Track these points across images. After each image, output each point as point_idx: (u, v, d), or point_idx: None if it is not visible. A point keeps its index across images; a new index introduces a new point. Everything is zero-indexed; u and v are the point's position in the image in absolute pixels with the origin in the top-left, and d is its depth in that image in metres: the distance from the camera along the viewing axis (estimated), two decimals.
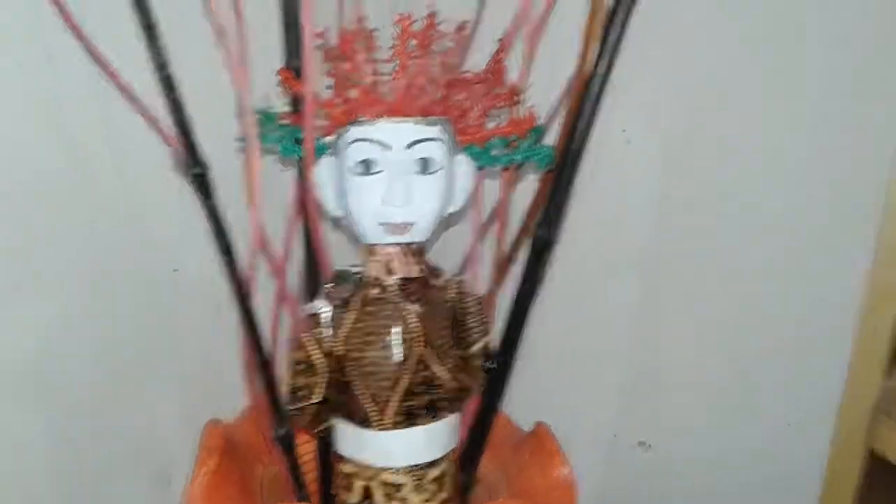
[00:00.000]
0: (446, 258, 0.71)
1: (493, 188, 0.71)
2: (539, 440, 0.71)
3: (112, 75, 0.61)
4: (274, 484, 0.70)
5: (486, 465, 0.74)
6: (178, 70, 0.58)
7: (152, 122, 0.62)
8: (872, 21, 0.69)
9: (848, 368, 0.77)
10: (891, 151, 0.72)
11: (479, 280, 0.70)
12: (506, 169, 0.67)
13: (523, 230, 0.72)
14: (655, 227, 0.82)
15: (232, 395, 0.81)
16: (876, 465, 0.78)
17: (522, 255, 0.70)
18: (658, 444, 0.90)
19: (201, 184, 0.59)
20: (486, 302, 0.69)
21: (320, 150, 0.61)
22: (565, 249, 0.76)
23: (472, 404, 0.72)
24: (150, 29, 0.55)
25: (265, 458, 0.71)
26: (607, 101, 0.65)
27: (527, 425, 0.77)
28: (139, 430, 0.77)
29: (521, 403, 0.82)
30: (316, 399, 0.61)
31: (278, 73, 0.62)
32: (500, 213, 0.69)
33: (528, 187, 0.73)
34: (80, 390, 0.71)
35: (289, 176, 0.66)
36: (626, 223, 0.84)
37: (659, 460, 0.90)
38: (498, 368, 0.68)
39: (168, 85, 0.56)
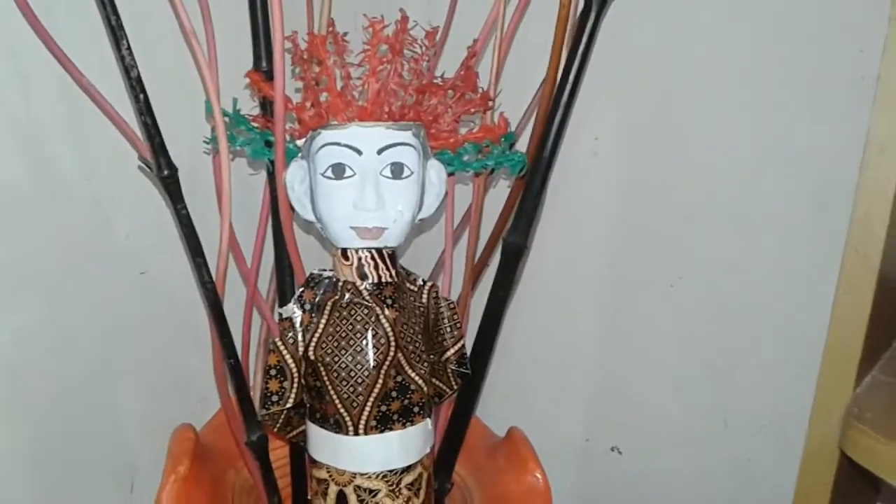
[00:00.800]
0: (418, 264, 0.71)
1: (464, 194, 0.71)
2: (513, 445, 0.71)
3: (78, 78, 0.60)
4: (245, 490, 0.69)
5: (460, 471, 0.74)
6: (147, 72, 0.57)
7: (120, 124, 0.62)
8: (835, 22, 0.70)
9: (820, 372, 0.77)
10: (858, 159, 0.73)
11: (452, 286, 0.70)
12: (477, 175, 0.67)
13: (494, 236, 0.72)
14: (624, 233, 0.83)
15: (198, 402, 0.81)
16: (849, 470, 0.79)
17: (494, 261, 0.70)
18: (630, 449, 0.91)
19: (170, 186, 0.58)
20: (459, 307, 0.68)
21: (291, 154, 0.61)
22: (534, 256, 0.77)
23: (446, 410, 0.72)
24: (116, 30, 0.54)
25: (236, 463, 0.70)
26: (577, 108, 0.66)
27: (499, 431, 0.77)
28: (104, 436, 0.76)
29: (492, 409, 0.82)
30: (289, 404, 0.61)
31: (247, 75, 0.62)
32: (471, 219, 0.70)
33: (500, 194, 0.73)
34: (47, 395, 0.70)
35: (259, 179, 0.66)
36: (594, 229, 0.84)
37: (631, 465, 0.91)
38: (472, 373, 0.68)
39: (136, 87, 0.55)
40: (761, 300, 0.79)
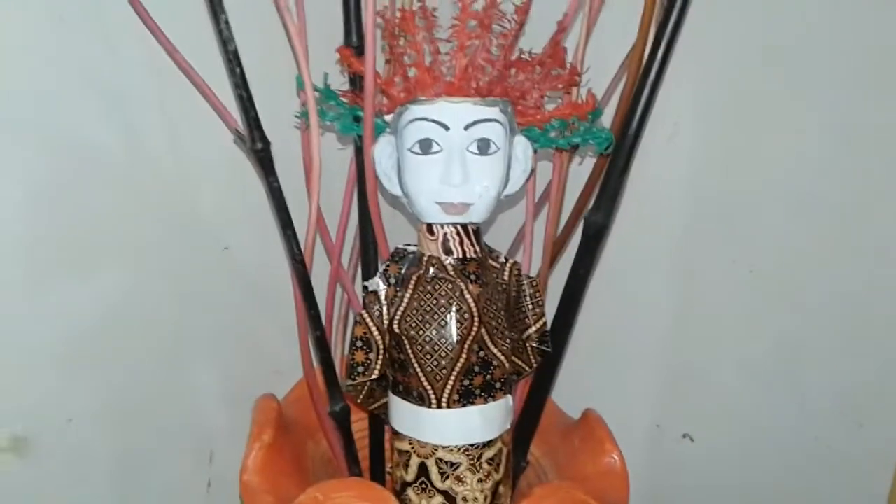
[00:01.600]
0: (497, 240, 0.71)
1: (543, 171, 0.71)
2: (589, 427, 0.71)
3: (172, 53, 0.62)
4: (324, 462, 0.70)
5: (535, 451, 0.74)
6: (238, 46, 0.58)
7: (212, 99, 0.63)
8: None
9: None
10: None
11: (531, 264, 0.70)
12: (560, 151, 0.67)
13: (575, 214, 0.72)
14: (700, 217, 0.82)
15: (272, 375, 0.82)
16: None
17: (574, 240, 0.70)
18: (702, 436, 0.90)
19: (263, 160, 0.59)
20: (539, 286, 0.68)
21: (379, 129, 0.61)
22: (610, 238, 0.76)
23: (522, 389, 0.72)
24: (216, 4, 0.55)
25: (315, 435, 0.71)
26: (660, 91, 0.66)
27: (571, 415, 0.77)
28: (184, 406, 0.79)
29: (565, 393, 0.82)
30: (374, 375, 0.61)
31: (338, 50, 0.62)
32: (552, 195, 0.69)
33: (581, 171, 0.73)
34: (128, 362, 0.72)
35: (347, 154, 0.67)
36: (670, 212, 0.83)
37: (704, 453, 0.89)
38: (551, 352, 0.67)
39: (233, 61, 0.56)
40: (839, 285, 0.77)
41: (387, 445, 0.70)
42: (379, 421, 0.70)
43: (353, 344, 0.61)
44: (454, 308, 0.60)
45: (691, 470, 0.91)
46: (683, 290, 0.85)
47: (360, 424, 0.74)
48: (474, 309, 0.60)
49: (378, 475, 0.72)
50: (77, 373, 0.69)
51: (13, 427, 0.66)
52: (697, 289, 0.85)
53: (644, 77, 0.63)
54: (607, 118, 0.68)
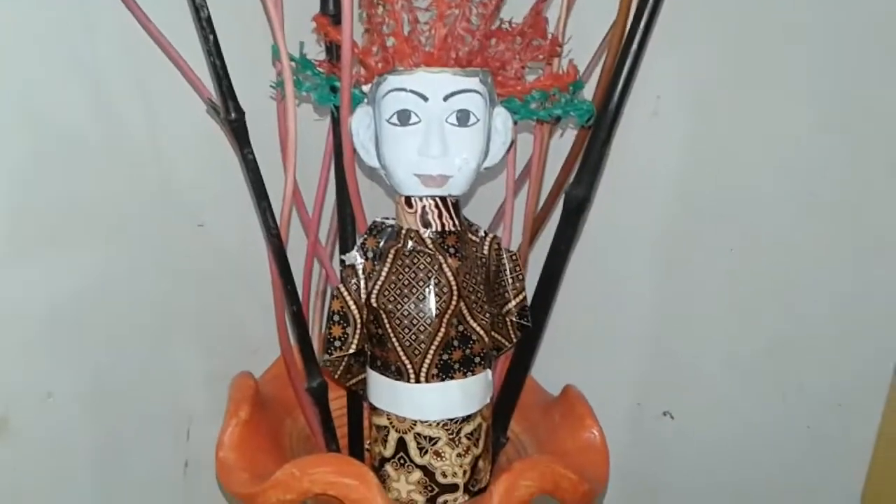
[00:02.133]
0: (477, 214, 0.71)
1: (524, 145, 0.70)
2: (569, 402, 0.70)
3: (145, 23, 0.60)
4: (302, 439, 0.70)
5: (515, 428, 0.74)
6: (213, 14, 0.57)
7: (185, 70, 0.62)
8: None
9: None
10: None
11: (511, 239, 0.69)
12: (541, 124, 0.66)
13: (556, 188, 0.71)
14: (683, 195, 0.81)
15: (251, 354, 0.81)
16: None
17: (556, 216, 0.69)
18: (682, 414, 0.90)
19: (238, 130, 0.58)
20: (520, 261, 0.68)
21: (356, 100, 0.60)
22: (591, 216, 0.76)
23: (503, 365, 0.71)
24: None
25: (293, 412, 0.71)
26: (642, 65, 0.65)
27: (551, 392, 0.76)
28: (161, 383, 0.77)
29: (545, 371, 0.81)
30: (351, 349, 0.61)
31: (314, 19, 0.61)
32: (533, 169, 0.68)
33: (562, 144, 0.72)
34: (107, 341, 0.71)
35: (324, 126, 0.66)
36: (653, 189, 0.83)
37: (683, 431, 0.90)
38: (531, 327, 0.67)
39: (206, 28, 0.55)
40: (826, 270, 0.77)
41: (366, 423, 0.69)
42: (357, 397, 0.70)
43: (329, 318, 0.61)
44: (433, 282, 0.59)
45: (672, 447, 0.91)
46: (667, 267, 0.85)
47: (339, 402, 0.73)
48: (453, 283, 0.59)
49: (357, 452, 0.72)
50: (55, 351, 0.67)
51: None
52: (681, 266, 0.84)
53: (626, 48, 0.63)
54: (589, 91, 0.68)
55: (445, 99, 0.57)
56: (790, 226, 0.77)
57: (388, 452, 0.62)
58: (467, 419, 0.61)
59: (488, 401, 0.64)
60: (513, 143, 0.62)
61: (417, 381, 0.60)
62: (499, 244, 0.65)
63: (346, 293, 0.61)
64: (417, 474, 0.61)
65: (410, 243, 0.60)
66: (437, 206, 0.60)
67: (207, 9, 0.55)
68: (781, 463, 0.84)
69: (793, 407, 0.82)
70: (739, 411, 0.85)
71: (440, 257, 0.59)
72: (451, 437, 0.61)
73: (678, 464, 0.91)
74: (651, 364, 0.89)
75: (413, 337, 0.59)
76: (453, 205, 0.61)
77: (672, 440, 0.90)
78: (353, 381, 0.65)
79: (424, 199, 0.60)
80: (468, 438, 0.62)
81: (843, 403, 0.80)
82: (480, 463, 0.64)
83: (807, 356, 0.80)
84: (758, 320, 0.82)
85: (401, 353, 0.60)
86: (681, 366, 0.87)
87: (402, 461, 0.62)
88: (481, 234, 0.64)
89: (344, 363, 0.62)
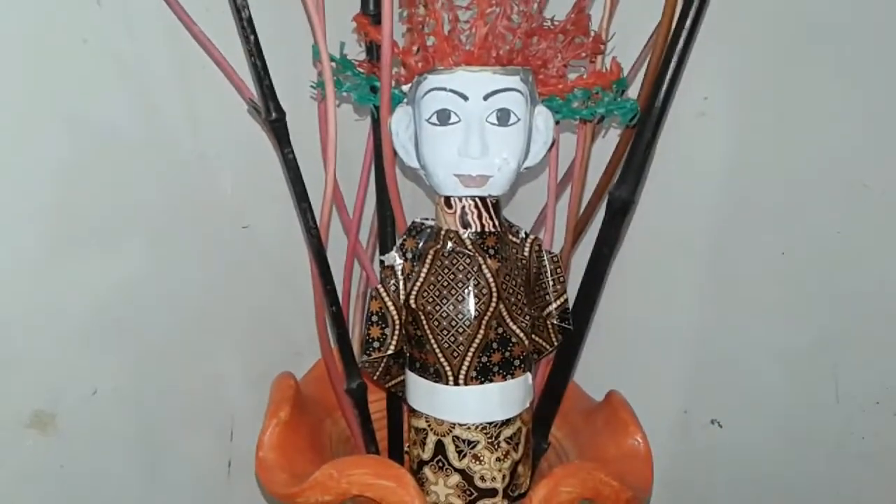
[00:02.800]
0: (520, 217, 0.70)
1: (569, 145, 0.69)
2: (612, 408, 0.69)
3: (189, 25, 0.61)
4: (342, 440, 0.70)
5: (556, 433, 0.73)
6: (253, 16, 0.57)
7: (227, 71, 0.62)
8: None
9: None
10: None
11: (553, 240, 0.68)
12: (584, 123, 0.65)
13: (600, 190, 0.70)
14: (731, 197, 0.79)
15: (293, 356, 0.82)
16: None
17: (597, 217, 0.68)
18: (731, 422, 0.87)
19: (279, 130, 0.59)
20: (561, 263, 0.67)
21: (396, 100, 0.60)
22: (636, 216, 0.74)
23: (544, 369, 0.70)
24: None
25: (334, 414, 0.71)
26: (687, 65, 0.63)
27: (595, 398, 0.75)
28: (205, 384, 0.78)
29: (587, 375, 0.80)
30: (390, 350, 0.60)
31: (354, 19, 0.61)
32: (576, 170, 0.67)
33: (606, 146, 0.71)
34: (150, 340, 0.72)
35: (364, 125, 0.66)
36: (700, 191, 0.81)
37: (732, 439, 0.87)
38: (573, 331, 0.66)
39: (247, 28, 0.56)
40: (874, 272, 0.74)
41: (405, 425, 0.69)
42: (397, 399, 0.69)
43: (368, 319, 0.60)
44: (472, 283, 0.58)
45: (719, 457, 0.88)
46: (715, 272, 0.83)
47: (379, 405, 0.73)
48: (493, 284, 0.59)
49: (396, 454, 0.71)
50: (99, 349, 0.69)
51: (37, 403, 0.66)
52: (729, 271, 0.82)
53: (671, 47, 0.61)
54: (634, 91, 0.66)
55: (486, 98, 0.57)
56: (840, 226, 0.74)
57: (427, 455, 0.61)
58: (506, 423, 0.61)
59: (528, 405, 0.63)
60: (554, 142, 0.61)
61: (456, 383, 0.59)
62: (540, 246, 0.64)
63: (384, 294, 0.60)
64: (456, 478, 0.61)
65: (450, 244, 0.59)
66: (476, 206, 0.59)
67: (249, 9, 0.55)
68: (831, 472, 0.81)
69: (845, 413, 0.79)
70: (789, 419, 0.83)
71: (479, 258, 0.59)
72: (490, 440, 0.60)
73: (726, 473, 0.89)
74: (698, 370, 0.87)
75: (452, 339, 0.59)
76: (493, 205, 0.60)
77: (719, 449, 0.88)
78: (393, 382, 0.64)
79: (464, 200, 0.59)
80: (507, 443, 0.61)
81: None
82: (520, 468, 0.63)
83: (858, 360, 0.77)
84: (807, 324, 0.79)
85: (439, 355, 0.59)
86: (729, 372, 0.85)
87: (440, 464, 0.61)
88: (522, 235, 0.63)
89: (383, 364, 0.62)
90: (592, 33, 0.60)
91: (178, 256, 0.73)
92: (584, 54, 0.60)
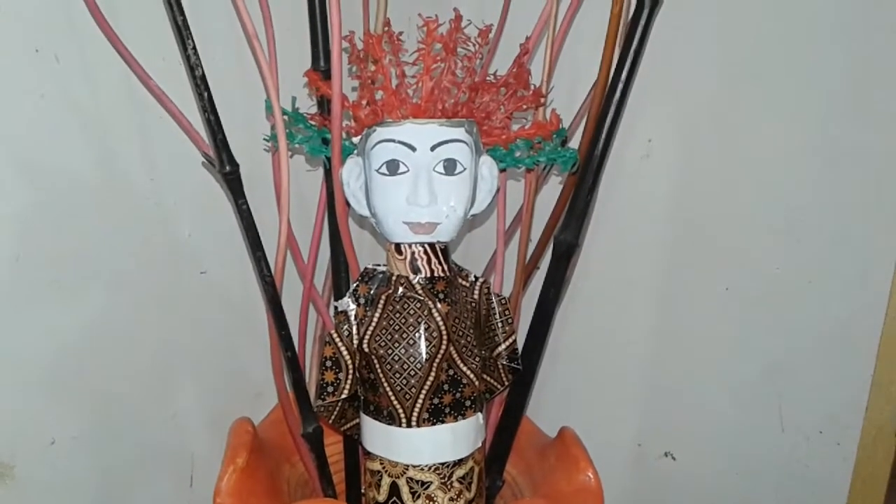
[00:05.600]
0: (471, 262, 0.72)
1: (517, 192, 0.71)
2: (565, 445, 0.71)
3: (145, 80, 0.63)
4: (300, 484, 0.70)
5: (511, 470, 0.74)
6: (208, 72, 0.59)
7: (184, 124, 0.64)
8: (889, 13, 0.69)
9: (874, 373, 0.76)
10: None
11: (503, 283, 0.70)
12: (529, 171, 0.68)
13: (546, 234, 0.72)
14: (677, 235, 0.83)
15: (254, 398, 0.83)
16: None
17: (546, 258, 0.71)
18: (684, 455, 0.89)
19: (232, 182, 0.60)
20: (510, 306, 0.69)
21: (347, 151, 0.62)
22: (586, 257, 0.77)
23: (497, 408, 0.72)
24: (182, 30, 0.56)
25: (292, 458, 0.71)
26: (630, 109, 0.67)
27: (550, 434, 0.77)
28: (164, 430, 0.78)
29: (543, 412, 0.82)
30: (344, 395, 0.62)
31: (306, 74, 0.64)
32: (523, 216, 0.70)
33: (552, 192, 0.73)
34: (109, 386, 0.72)
35: (316, 176, 0.68)
36: (647, 231, 0.84)
37: (685, 471, 0.89)
38: (523, 370, 0.68)
39: (201, 85, 0.58)
40: (816, 302, 0.78)
41: (361, 467, 0.70)
42: (354, 442, 0.70)
43: (322, 364, 0.62)
44: (423, 327, 0.60)
45: (673, 488, 0.90)
46: (663, 308, 0.86)
47: (336, 447, 0.74)
48: (443, 327, 0.60)
49: (353, 497, 0.72)
50: (58, 398, 0.69)
51: None
52: (677, 307, 0.85)
53: (609, 96, 0.65)
54: (577, 139, 0.69)
55: (433, 149, 0.59)
56: (788, 267, 0.78)
57: (382, 497, 0.62)
58: (459, 463, 0.62)
59: (480, 444, 0.64)
60: (499, 189, 0.64)
61: (409, 425, 0.61)
62: (489, 288, 0.66)
63: (338, 339, 0.62)
64: None
65: (401, 289, 0.61)
66: (426, 252, 0.61)
67: (202, 68, 0.57)
68: (779, 500, 0.84)
69: (790, 442, 0.82)
70: (739, 448, 0.85)
71: (430, 303, 0.61)
72: (442, 481, 0.61)
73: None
74: (650, 404, 0.89)
75: (404, 381, 0.60)
76: (442, 251, 0.62)
77: (673, 480, 0.90)
78: (348, 425, 0.66)
79: (414, 246, 0.61)
80: (460, 482, 0.62)
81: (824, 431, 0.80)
82: None
83: (801, 390, 0.80)
84: (752, 357, 0.82)
85: (392, 398, 0.61)
86: (680, 405, 0.87)
87: None
88: (471, 279, 0.65)
89: (338, 408, 0.63)
90: (533, 87, 0.63)
91: (136, 302, 0.73)
92: (525, 106, 0.63)
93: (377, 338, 0.61)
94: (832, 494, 0.80)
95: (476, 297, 0.65)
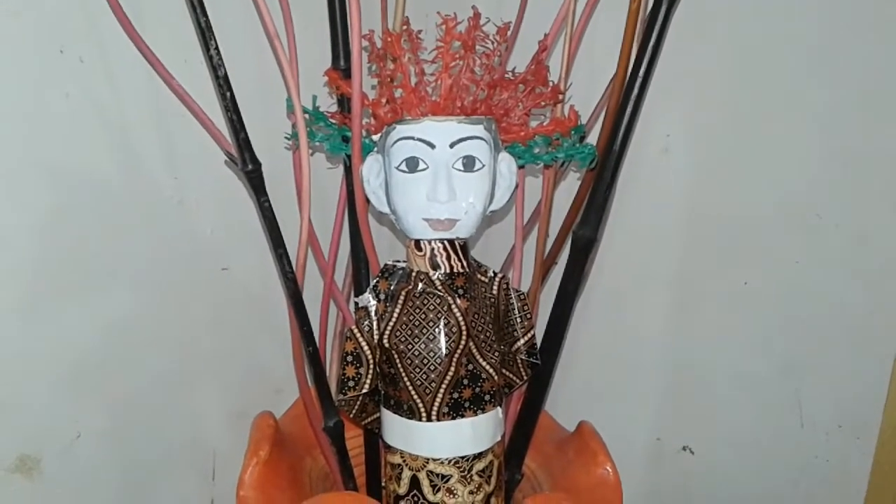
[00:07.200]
0: (490, 257, 0.73)
1: (535, 189, 0.72)
2: (583, 439, 0.71)
3: (168, 80, 0.64)
4: (321, 477, 0.71)
5: (530, 464, 0.75)
6: (230, 72, 0.60)
7: (206, 123, 0.65)
8: None
9: (893, 367, 0.76)
10: None
11: (521, 279, 0.71)
12: (548, 167, 0.68)
13: (564, 230, 0.73)
14: (695, 230, 0.83)
15: (274, 394, 0.84)
16: None
17: (564, 255, 0.71)
18: (702, 449, 0.90)
19: (254, 180, 0.61)
20: (528, 301, 0.69)
21: (367, 149, 0.63)
22: (605, 253, 0.77)
23: (516, 403, 0.72)
24: (205, 31, 0.57)
25: (313, 451, 0.72)
26: (648, 104, 0.67)
27: (568, 428, 0.77)
28: (187, 425, 0.80)
29: (561, 406, 0.82)
30: (364, 389, 0.63)
31: (326, 73, 0.64)
32: (541, 211, 0.70)
33: (570, 187, 0.74)
34: (133, 383, 0.74)
35: (336, 174, 0.69)
36: (665, 226, 0.84)
37: (703, 465, 0.89)
38: (541, 365, 0.68)
39: (224, 85, 0.58)
40: (835, 299, 0.77)
41: (382, 460, 0.71)
42: (374, 436, 0.71)
43: (343, 359, 0.63)
44: (442, 322, 0.61)
45: (692, 482, 0.91)
46: (682, 303, 0.86)
47: (357, 441, 0.75)
48: (462, 322, 0.61)
49: (374, 490, 0.73)
50: (83, 394, 0.70)
51: (22, 448, 0.67)
52: (695, 302, 0.85)
53: (627, 93, 0.65)
54: (595, 135, 0.70)
55: (451, 146, 0.60)
56: (798, 256, 0.78)
57: (402, 490, 0.63)
58: (478, 456, 0.63)
59: (499, 438, 0.65)
60: (517, 186, 0.64)
61: (429, 419, 0.61)
62: (507, 284, 0.66)
63: (358, 334, 0.63)
64: None
65: (420, 285, 0.62)
66: (445, 248, 0.62)
67: (224, 67, 0.58)
68: (798, 495, 0.84)
69: (810, 438, 0.82)
70: (757, 444, 0.85)
71: (449, 298, 0.61)
72: (462, 474, 0.62)
73: (698, 498, 0.91)
74: (669, 398, 0.90)
75: (424, 376, 0.61)
76: (461, 247, 0.63)
77: (691, 475, 0.90)
78: (369, 419, 0.66)
79: (433, 243, 0.62)
80: (480, 476, 0.63)
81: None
82: (493, 500, 0.65)
83: (820, 386, 0.80)
84: (771, 351, 0.82)
85: (412, 392, 0.61)
86: (699, 400, 0.88)
87: (415, 499, 0.63)
88: (490, 274, 0.66)
89: (359, 403, 0.64)
90: (551, 83, 0.64)
91: (159, 300, 0.75)
92: (543, 103, 0.63)
93: (397, 333, 0.62)
94: (851, 489, 0.80)
95: (495, 292, 0.66)
